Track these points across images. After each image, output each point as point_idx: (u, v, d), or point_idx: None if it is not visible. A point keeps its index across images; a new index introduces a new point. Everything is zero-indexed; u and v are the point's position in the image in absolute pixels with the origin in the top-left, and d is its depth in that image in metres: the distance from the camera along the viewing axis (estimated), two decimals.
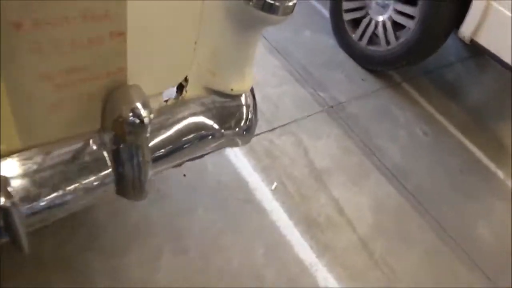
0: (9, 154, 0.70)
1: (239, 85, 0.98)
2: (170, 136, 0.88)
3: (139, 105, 0.72)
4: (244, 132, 1.06)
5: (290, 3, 0.81)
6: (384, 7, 2.11)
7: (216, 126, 0.97)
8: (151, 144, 0.83)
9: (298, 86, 2.08)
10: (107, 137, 0.78)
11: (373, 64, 2.29)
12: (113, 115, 0.73)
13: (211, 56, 0.90)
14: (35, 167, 0.73)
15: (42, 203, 0.73)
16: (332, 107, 2.06)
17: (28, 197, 0.71)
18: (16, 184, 0.69)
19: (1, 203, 0.64)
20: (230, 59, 0.93)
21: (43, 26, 0.59)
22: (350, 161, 1.87)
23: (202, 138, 0.95)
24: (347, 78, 2.26)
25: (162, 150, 0.88)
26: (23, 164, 0.72)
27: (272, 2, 0.78)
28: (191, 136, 0.92)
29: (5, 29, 0.56)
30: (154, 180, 0.89)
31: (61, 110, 0.71)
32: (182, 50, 0.85)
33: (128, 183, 0.81)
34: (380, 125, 2.08)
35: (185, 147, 0.93)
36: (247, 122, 1.05)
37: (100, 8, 0.63)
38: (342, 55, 2.35)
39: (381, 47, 2.18)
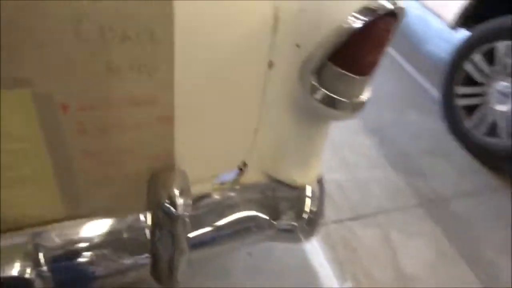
0: (52, 222, 0.71)
1: (302, 176, 0.89)
2: (217, 223, 0.82)
3: (176, 192, 0.68)
4: (305, 226, 0.95)
5: (360, 100, 0.72)
6: (507, 95, 1.84)
7: (270, 217, 0.88)
8: (194, 229, 0.78)
9: (393, 172, 1.88)
10: (148, 218, 0.75)
11: (491, 158, 1.97)
12: (152, 198, 0.70)
13: (273, 144, 0.84)
14: (73, 237, 0.73)
15: (72, 276, 0.73)
16: (432, 201, 1.80)
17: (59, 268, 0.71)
18: (48, 253, 0.70)
19: (26, 272, 0.64)
20: (293, 150, 0.85)
21: (89, 109, 0.60)
22: (449, 272, 1.56)
23: (252, 229, 0.87)
24: (454, 170, 1.97)
25: (206, 238, 0.82)
26: (62, 234, 0.72)
27: (336, 97, 0.70)
28: (240, 225, 0.85)
29: (53, 109, 0.58)
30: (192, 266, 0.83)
31: (106, 188, 0.71)
32: (239, 136, 0.81)
33: (160, 268, 0.77)
34: (493, 232, 1.73)
35: (232, 237, 0.85)
36: (309, 216, 0.94)
37: (147, 95, 0.63)
38: (451, 143, 2.09)
39: (503, 140, 1.87)
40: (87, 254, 0.73)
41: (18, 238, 0.67)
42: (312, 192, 0.95)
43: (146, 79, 0.61)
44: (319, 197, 0.97)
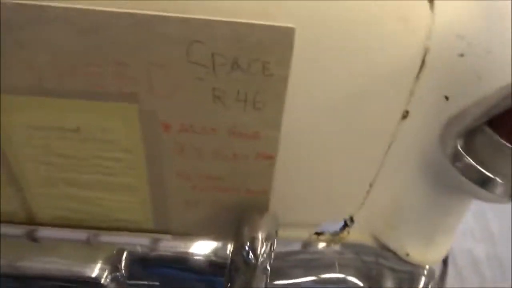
0: (138, 230, 0.71)
1: (419, 253, 0.72)
2: (300, 280, 0.71)
3: (260, 238, 0.60)
4: None
5: None
6: None
7: (367, 286, 0.74)
8: (273, 279, 0.70)
9: None
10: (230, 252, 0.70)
11: None
12: (236, 238, 0.64)
13: (390, 205, 0.70)
14: (157, 249, 0.72)
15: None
16: None
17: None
18: (130, 260, 0.70)
19: (103, 275, 0.65)
20: (414, 218, 0.69)
21: (189, 132, 0.57)
22: None
23: None
24: None
25: None
26: (147, 244, 0.72)
27: (485, 172, 0.53)
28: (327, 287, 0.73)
29: (155, 127, 0.57)
30: None
31: (195, 210, 0.68)
32: (351, 187, 0.69)
33: None
34: None
35: None
36: None
37: (250, 128, 0.56)
38: None
39: None
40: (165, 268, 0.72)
41: (105, 238, 0.69)
42: (431, 271, 0.77)
43: (251, 113, 0.54)
44: (439, 280, 0.78)
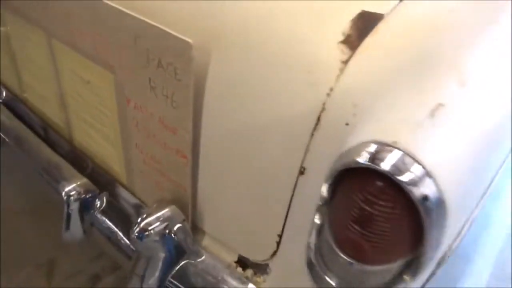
0: (117, 182, 0.88)
1: None
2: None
3: (143, 223, 0.68)
4: None
5: None
6: None
7: None
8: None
9: None
10: None
11: None
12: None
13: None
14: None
15: None
16: None
17: None
18: None
19: None
20: None
21: (139, 111, 0.71)
22: None
23: None
24: None
25: None
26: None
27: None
28: None
29: (123, 98, 0.73)
30: None
31: (146, 181, 0.80)
32: (261, 235, 0.68)
33: None
34: None
35: None
36: None
37: (171, 123, 0.66)
38: None
39: None
40: None
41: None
42: None
43: (171, 109, 0.64)
44: None
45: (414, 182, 0.37)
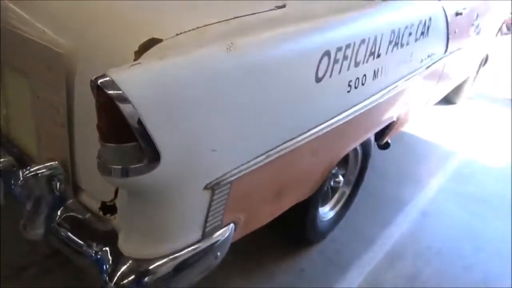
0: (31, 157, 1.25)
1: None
2: None
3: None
4: None
5: None
6: None
7: None
8: None
9: None
10: None
11: None
12: None
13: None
14: None
15: None
16: None
17: None
18: None
19: None
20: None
21: (41, 100, 1.11)
22: None
23: None
24: None
25: None
26: None
27: None
28: None
29: (34, 96, 1.14)
30: None
31: (44, 149, 1.18)
32: None
33: None
34: None
35: None
36: None
37: (56, 104, 1.06)
38: None
39: None
40: None
41: None
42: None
43: (55, 97, 1.04)
44: None
45: (116, 94, 0.76)
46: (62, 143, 1.10)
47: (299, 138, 1.17)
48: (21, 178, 1.05)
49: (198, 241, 1.02)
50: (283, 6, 1.26)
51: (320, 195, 1.68)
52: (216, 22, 1.03)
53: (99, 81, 0.75)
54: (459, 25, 2.26)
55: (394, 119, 1.89)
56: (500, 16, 3.50)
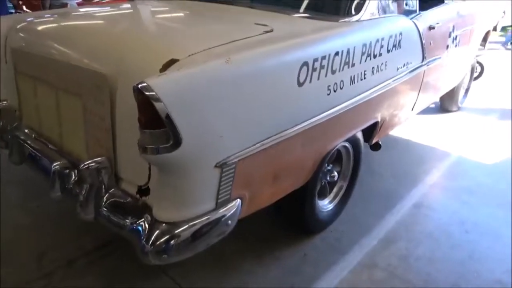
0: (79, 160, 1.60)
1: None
2: None
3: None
4: None
5: None
6: None
7: None
8: None
9: None
10: None
11: None
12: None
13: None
14: None
15: None
16: None
17: None
18: None
19: None
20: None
21: (91, 113, 1.47)
22: None
23: None
24: None
25: None
26: None
27: None
28: None
29: (86, 111, 1.50)
30: None
31: (92, 150, 1.52)
32: None
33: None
34: None
35: None
36: None
37: (101, 115, 1.41)
38: None
39: None
40: None
41: None
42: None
43: (101, 109, 1.40)
44: None
45: (151, 95, 1.10)
46: (107, 144, 1.44)
47: (289, 131, 1.49)
48: (75, 176, 1.41)
49: (212, 210, 1.33)
50: (271, 30, 1.62)
51: (315, 187, 1.97)
52: (218, 45, 1.39)
53: (139, 86, 1.09)
54: (433, 37, 2.60)
55: (378, 120, 2.19)
56: (483, 28, 3.83)
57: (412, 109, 2.75)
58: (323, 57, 1.58)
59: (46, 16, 2.11)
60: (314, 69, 1.55)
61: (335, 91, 1.69)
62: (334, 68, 1.65)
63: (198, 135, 1.20)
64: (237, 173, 1.35)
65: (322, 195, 2.19)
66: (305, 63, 1.50)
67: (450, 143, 3.42)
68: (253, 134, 1.37)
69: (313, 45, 1.59)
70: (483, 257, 2.08)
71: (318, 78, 1.58)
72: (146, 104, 1.11)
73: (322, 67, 1.58)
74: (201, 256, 1.93)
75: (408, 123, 3.74)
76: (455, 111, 4.12)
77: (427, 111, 4.12)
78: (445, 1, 2.97)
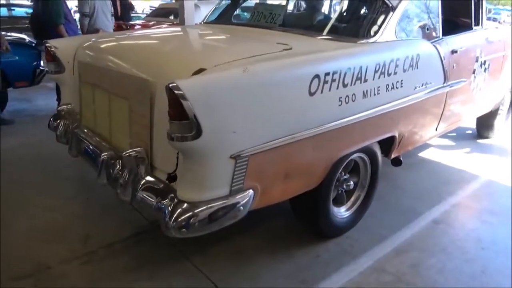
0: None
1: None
2: None
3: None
4: None
5: None
6: None
7: None
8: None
9: None
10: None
11: None
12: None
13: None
14: None
15: None
16: None
17: None
18: None
19: None
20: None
21: (136, 113, 1.78)
22: None
23: None
24: None
25: None
26: None
27: None
28: None
29: (130, 112, 1.81)
30: None
31: (133, 143, 1.82)
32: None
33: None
34: None
35: None
36: None
37: (142, 114, 1.70)
38: None
39: None
40: None
41: None
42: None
43: (142, 109, 1.69)
44: None
45: (180, 94, 1.37)
46: (145, 138, 1.74)
47: (298, 134, 1.71)
48: (119, 166, 1.71)
49: (226, 196, 1.56)
50: (290, 48, 1.87)
51: (329, 192, 2.13)
52: (240, 59, 1.66)
53: (170, 85, 1.38)
54: (457, 61, 2.71)
55: (395, 134, 2.33)
56: None
57: (436, 129, 2.84)
58: (335, 72, 1.79)
59: (107, 36, 2.52)
60: (325, 82, 1.76)
61: (347, 102, 1.89)
62: (345, 82, 1.85)
63: (216, 129, 1.45)
64: (250, 165, 1.58)
65: (339, 203, 2.33)
66: (317, 76, 1.72)
67: (481, 166, 3.42)
68: (264, 134, 1.60)
69: (325, 61, 1.82)
70: (495, 273, 2.10)
71: (330, 90, 1.79)
72: (175, 100, 1.38)
73: (333, 80, 1.79)
74: (221, 248, 2.17)
75: (441, 147, 3.78)
76: (491, 137, 4.09)
77: (463, 136, 4.13)
78: (474, 28, 3.08)
